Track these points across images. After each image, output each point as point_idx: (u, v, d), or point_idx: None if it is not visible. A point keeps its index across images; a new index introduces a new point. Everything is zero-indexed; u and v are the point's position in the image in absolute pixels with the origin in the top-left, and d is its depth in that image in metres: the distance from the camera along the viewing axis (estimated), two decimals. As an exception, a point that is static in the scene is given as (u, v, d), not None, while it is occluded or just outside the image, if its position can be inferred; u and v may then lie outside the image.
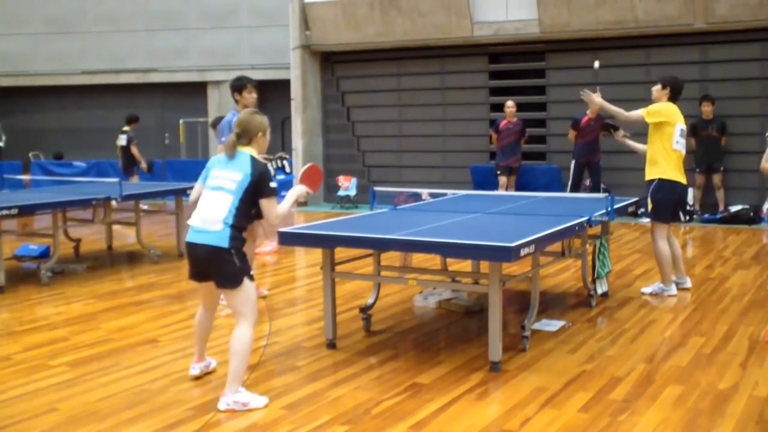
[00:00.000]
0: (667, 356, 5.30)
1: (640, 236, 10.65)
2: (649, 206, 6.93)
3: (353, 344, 5.67)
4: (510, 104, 12.74)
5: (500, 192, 11.51)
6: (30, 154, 18.64)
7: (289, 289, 7.87)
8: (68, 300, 7.32)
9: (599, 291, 6.83)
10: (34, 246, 9.41)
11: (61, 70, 18.95)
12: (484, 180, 13.24)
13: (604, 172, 12.39)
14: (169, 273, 8.57)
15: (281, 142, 17.42)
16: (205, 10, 18.44)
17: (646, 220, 11.84)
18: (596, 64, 8.61)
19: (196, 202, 4.63)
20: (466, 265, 7.24)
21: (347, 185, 14.46)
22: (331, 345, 5.57)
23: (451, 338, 5.95)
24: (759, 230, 11.10)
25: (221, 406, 4.38)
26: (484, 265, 6.27)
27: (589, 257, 6.77)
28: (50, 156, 18.69)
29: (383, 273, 6.09)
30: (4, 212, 7.37)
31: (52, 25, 19.18)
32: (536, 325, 5.88)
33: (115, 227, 10.23)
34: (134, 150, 14.22)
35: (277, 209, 4.48)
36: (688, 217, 11.73)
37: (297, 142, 14.97)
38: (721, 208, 11.96)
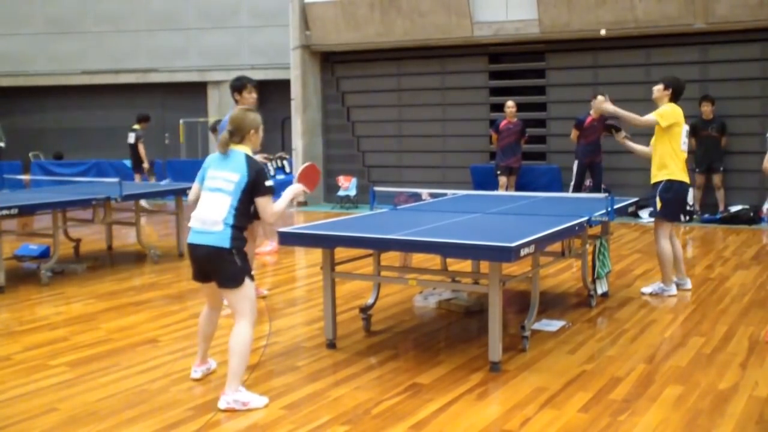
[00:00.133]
0: (667, 356, 5.30)
1: (640, 236, 10.65)
2: (659, 205, 6.93)
3: (353, 344, 5.67)
4: (510, 104, 12.74)
5: (500, 192, 11.51)
6: (30, 154, 18.65)
7: (289, 289, 7.87)
8: (68, 300, 7.32)
9: (599, 291, 6.84)
10: (34, 246, 9.41)
11: (61, 70, 18.95)
12: (484, 180, 13.24)
13: (604, 173, 12.39)
14: (169, 273, 8.57)
15: (281, 142, 17.43)
16: (205, 10, 18.44)
17: (646, 220, 11.86)
18: (602, 31, 8.55)
19: (195, 202, 4.65)
20: (466, 265, 7.24)
21: (347, 185, 14.46)
22: (331, 345, 5.57)
23: (451, 338, 5.95)
24: (759, 230, 11.10)
25: (221, 404, 4.39)
26: (484, 265, 6.27)
27: (589, 257, 6.77)
28: (50, 156, 18.69)
29: (383, 273, 6.09)
30: (4, 212, 7.37)
31: (52, 25, 19.19)
32: (536, 325, 5.88)
33: (115, 227, 10.23)
34: (140, 149, 14.27)
35: (273, 207, 4.50)
36: (688, 218, 11.75)
37: (297, 142, 14.97)
38: (721, 208, 11.96)
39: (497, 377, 4.88)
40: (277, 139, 17.59)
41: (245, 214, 4.49)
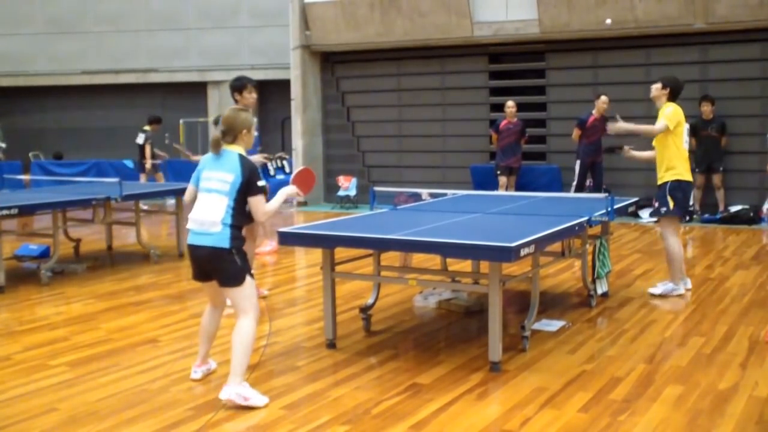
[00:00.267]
0: (667, 356, 5.30)
1: (640, 236, 10.65)
2: (671, 204, 6.93)
3: (353, 344, 5.67)
4: (510, 104, 12.74)
5: (500, 192, 11.51)
6: (30, 154, 18.64)
7: (289, 289, 7.87)
8: (68, 300, 7.32)
9: (599, 291, 6.84)
10: (34, 246, 9.40)
11: (61, 70, 18.95)
12: (484, 180, 13.24)
13: (605, 173, 12.39)
14: (169, 273, 8.57)
15: (281, 142, 17.42)
16: (205, 10, 18.44)
17: (646, 220, 11.86)
18: (608, 21, 8.51)
19: (191, 203, 4.71)
20: (466, 265, 7.24)
21: (347, 185, 14.46)
22: (331, 345, 5.57)
23: (451, 338, 5.95)
24: (759, 230, 11.09)
25: (222, 395, 4.41)
26: (484, 265, 6.27)
27: (589, 257, 6.77)
28: (50, 156, 18.69)
29: (383, 273, 6.09)
30: (4, 212, 7.37)
31: (52, 25, 19.18)
32: (536, 325, 5.88)
33: (115, 227, 10.23)
34: (147, 150, 14.31)
35: (264, 207, 4.54)
36: (688, 218, 11.74)
37: (297, 142, 14.97)
38: (721, 208, 11.96)
39: (497, 377, 4.88)
40: (277, 139, 17.60)
41: (242, 213, 4.53)
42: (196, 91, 18.65)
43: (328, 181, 15.13)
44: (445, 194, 8.11)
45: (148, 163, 14.37)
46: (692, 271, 7.95)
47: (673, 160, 6.92)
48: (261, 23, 17.90)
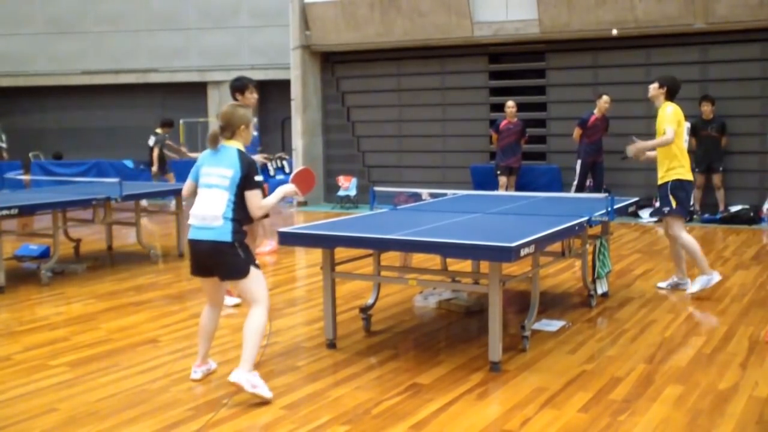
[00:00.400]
0: (667, 356, 5.30)
1: (640, 236, 10.65)
2: (674, 203, 6.94)
3: (353, 344, 5.67)
4: (510, 104, 12.75)
5: (500, 192, 11.51)
6: (30, 154, 18.65)
7: (289, 289, 7.87)
8: (68, 300, 7.32)
9: (599, 291, 6.83)
10: (34, 246, 9.40)
11: (62, 70, 18.96)
12: (484, 180, 13.24)
13: (605, 173, 12.39)
14: (169, 273, 8.57)
15: (281, 142, 17.44)
16: (205, 10, 18.45)
17: (646, 220, 11.86)
18: (614, 31, 8.47)
19: (189, 197, 4.78)
20: (466, 265, 7.24)
21: (347, 185, 14.46)
22: (331, 345, 5.57)
23: (451, 338, 5.95)
24: (759, 230, 11.10)
25: (232, 378, 4.44)
26: (484, 265, 6.27)
27: (589, 257, 6.77)
28: (50, 156, 18.69)
29: (383, 273, 6.09)
30: (4, 212, 7.37)
31: (52, 25, 19.19)
32: (536, 325, 5.87)
33: (115, 227, 10.23)
34: (154, 153, 14.38)
35: (260, 201, 4.57)
36: (688, 217, 11.74)
37: (297, 142, 14.97)
38: (721, 208, 11.96)
39: (497, 377, 4.88)
40: (277, 139, 17.61)
41: (243, 208, 4.57)
42: (196, 91, 18.66)
43: (328, 181, 15.13)
44: (445, 194, 8.11)
45: (155, 167, 14.40)
46: (692, 271, 7.94)
47: (675, 159, 6.92)
48: (261, 23, 17.91)
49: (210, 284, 4.76)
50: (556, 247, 6.31)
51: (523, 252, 4.69)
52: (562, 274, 8.06)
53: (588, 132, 12.09)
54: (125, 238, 10.63)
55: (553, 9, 12.75)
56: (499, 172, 12.83)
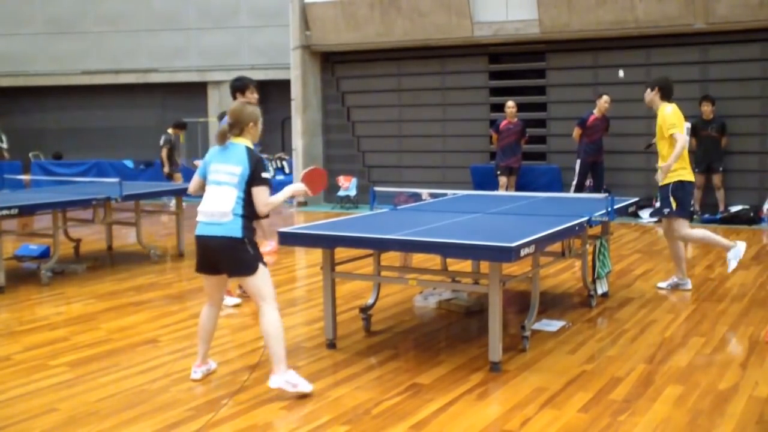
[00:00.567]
0: (667, 356, 5.30)
1: (640, 236, 10.65)
2: (674, 205, 6.95)
3: (353, 344, 5.67)
4: (510, 104, 12.74)
5: (500, 192, 11.51)
6: (30, 154, 18.65)
7: (289, 289, 7.87)
8: (68, 300, 7.32)
9: (599, 291, 6.83)
10: (34, 246, 9.40)
11: (62, 70, 18.95)
12: (484, 180, 13.24)
13: (605, 173, 12.39)
14: (169, 273, 8.57)
15: (281, 142, 17.43)
16: (205, 10, 18.44)
17: (646, 220, 11.86)
18: (620, 72, 8.42)
19: (195, 192, 4.82)
20: (466, 265, 7.24)
21: (347, 185, 14.46)
22: (331, 345, 5.57)
23: (451, 338, 5.95)
24: (759, 230, 11.10)
25: (272, 384, 4.50)
26: (484, 266, 6.27)
27: (589, 257, 6.77)
28: (50, 156, 18.69)
29: (383, 273, 6.09)
30: (4, 212, 7.37)
31: (52, 25, 19.18)
32: (536, 326, 5.87)
33: (115, 227, 10.23)
34: (163, 152, 14.42)
35: (267, 198, 4.58)
36: (689, 218, 11.74)
37: (297, 142, 14.97)
38: (721, 208, 11.96)
39: (497, 377, 4.88)
40: (277, 139, 17.60)
41: (252, 204, 4.58)
42: (196, 91, 18.65)
43: (328, 181, 15.10)
44: (445, 194, 8.11)
45: (166, 167, 14.45)
46: (692, 271, 7.95)
47: (678, 160, 6.92)
48: (261, 23, 17.90)
49: (212, 282, 4.77)
50: (556, 247, 6.32)
51: (523, 252, 4.69)
52: (562, 274, 8.06)
53: (587, 132, 12.10)
54: (125, 238, 10.63)
55: (553, 9, 12.74)
56: (499, 172, 12.82)
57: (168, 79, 18.73)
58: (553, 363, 5.16)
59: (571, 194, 10.71)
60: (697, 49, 12.46)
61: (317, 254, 6.21)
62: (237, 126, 4.64)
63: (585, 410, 4.32)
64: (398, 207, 7.17)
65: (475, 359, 5.21)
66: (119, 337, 5.94)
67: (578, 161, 12.20)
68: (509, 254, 4.57)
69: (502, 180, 12.75)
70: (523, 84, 13.86)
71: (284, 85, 15.38)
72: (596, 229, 6.69)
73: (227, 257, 4.56)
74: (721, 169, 11.98)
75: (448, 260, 6.91)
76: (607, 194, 6.56)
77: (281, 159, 16.02)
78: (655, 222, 11.42)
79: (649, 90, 7.12)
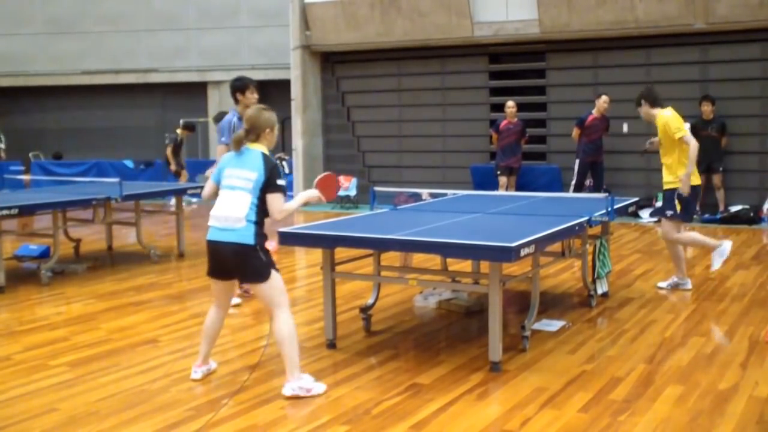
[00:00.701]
0: (667, 356, 5.30)
1: (640, 236, 10.65)
2: (678, 207, 6.96)
3: (353, 344, 5.67)
4: (510, 104, 12.75)
5: (500, 192, 11.51)
6: (30, 154, 18.65)
7: (289, 289, 7.85)
8: (68, 300, 7.32)
9: (599, 291, 6.83)
10: (34, 246, 9.40)
11: (61, 70, 18.95)
12: (484, 180, 13.24)
13: (605, 173, 12.39)
14: (169, 273, 8.57)
15: (281, 142, 17.40)
16: (205, 10, 18.44)
17: (646, 220, 11.86)
18: (624, 127, 8.15)
19: (209, 197, 4.80)
20: (466, 265, 7.24)
21: (347, 185, 14.46)
22: (331, 345, 5.57)
23: (451, 338, 5.95)
24: (759, 230, 11.09)
25: (286, 391, 4.50)
26: (484, 265, 6.27)
27: (589, 257, 6.77)
28: (50, 156, 18.69)
29: (383, 273, 6.09)
30: (4, 212, 7.37)
31: (52, 25, 19.19)
32: (536, 325, 5.87)
33: (115, 227, 10.22)
34: (168, 151, 14.51)
35: (282, 204, 4.57)
36: (689, 220, 11.74)
37: (297, 142, 14.97)
38: (721, 208, 11.96)
39: (497, 377, 4.88)
40: (277, 139, 17.59)
41: (265, 211, 4.58)
42: (196, 91, 18.66)
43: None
44: (445, 194, 8.11)
45: (173, 165, 14.55)
46: (692, 271, 7.95)
47: (683, 165, 6.91)
48: (261, 23, 17.91)
49: (222, 286, 4.77)
50: (556, 247, 6.32)
51: (523, 252, 4.69)
52: (562, 274, 8.06)
53: (586, 131, 12.10)
54: (125, 238, 10.63)
55: (553, 9, 12.74)
56: (499, 172, 12.82)
57: (168, 79, 18.73)
58: (553, 363, 5.16)
59: (571, 194, 10.70)
60: (697, 49, 12.46)
61: (317, 254, 6.21)
62: (253, 132, 4.62)
63: (585, 410, 4.32)
64: (398, 207, 7.17)
65: (475, 359, 5.21)
66: (119, 337, 5.94)
67: (577, 161, 12.21)
68: (509, 254, 4.57)
69: (502, 180, 12.75)
70: (523, 84, 13.86)
71: (284, 85, 15.38)
72: (596, 229, 6.69)
73: (239, 264, 4.55)
74: (721, 169, 11.99)
75: (448, 260, 6.91)
76: (607, 194, 6.55)
77: (281, 159, 15.98)
78: (655, 222, 11.42)
79: (639, 107, 7.12)
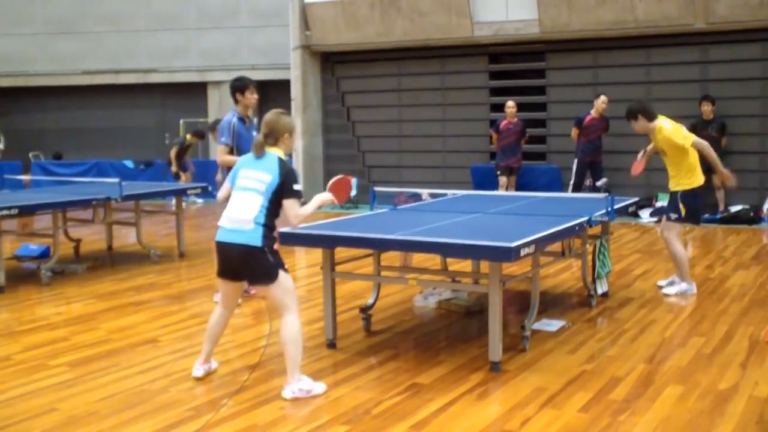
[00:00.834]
0: (667, 356, 5.30)
1: (640, 236, 10.65)
2: (683, 211, 6.95)
3: (353, 344, 5.67)
4: (510, 104, 12.75)
5: (500, 192, 11.51)
6: (30, 154, 18.66)
7: (289, 289, 7.86)
8: (68, 300, 7.32)
9: (599, 291, 6.83)
10: (34, 246, 9.40)
11: (61, 70, 18.95)
12: (484, 180, 13.24)
13: (605, 172, 12.39)
14: (169, 273, 8.57)
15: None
16: (205, 10, 18.44)
17: (646, 220, 11.87)
18: (640, 156, 7.83)
19: (224, 200, 4.79)
20: (466, 265, 7.24)
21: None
22: (331, 345, 5.57)
23: (451, 338, 5.95)
24: (759, 230, 11.10)
25: (286, 394, 4.50)
26: (484, 265, 6.27)
27: (589, 257, 6.77)
28: (50, 156, 18.69)
29: (383, 273, 6.09)
30: (4, 212, 7.37)
31: (52, 25, 19.19)
32: (536, 325, 5.87)
33: (115, 227, 10.22)
34: (172, 153, 14.57)
35: (298, 210, 4.58)
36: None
37: (297, 142, 14.97)
38: (721, 208, 11.96)
39: (497, 377, 4.88)
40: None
41: (275, 214, 4.59)
42: (196, 91, 18.65)
43: (328, 181, 15.11)
44: (445, 194, 8.11)
45: (174, 167, 14.61)
46: (692, 271, 7.94)
47: (693, 169, 6.91)
48: (261, 23, 17.90)
49: (230, 288, 4.78)
50: (556, 247, 6.31)
51: (523, 252, 4.69)
52: (562, 274, 8.06)
53: (584, 131, 12.11)
54: (125, 238, 10.63)
55: (553, 9, 12.75)
56: (499, 172, 12.83)
57: (168, 79, 18.73)
58: (553, 363, 5.16)
59: (571, 194, 10.70)
60: (697, 49, 12.46)
61: (317, 254, 6.21)
62: (271, 136, 4.63)
63: (585, 410, 4.32)
64: (398, 207, 7.17)
65: (475, 359, 5.21)
66: (119, 337, 5.94)
67: (575, 161, 12.21)
68: (509, 254, 4.57)
69: (502, 180, 12.75)
70: (523, 84, 13.86)
71: (284, 85, 15.39)
72: (596, 229, 6.69)
73: (247, 265, 4.55)
74: (721, 169, 11.97)
75: (448, 260, 6.91)
76: (607, 194, 6.55)
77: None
78: (655, 222, 11.43)
79: (632, 122, 6.95)
